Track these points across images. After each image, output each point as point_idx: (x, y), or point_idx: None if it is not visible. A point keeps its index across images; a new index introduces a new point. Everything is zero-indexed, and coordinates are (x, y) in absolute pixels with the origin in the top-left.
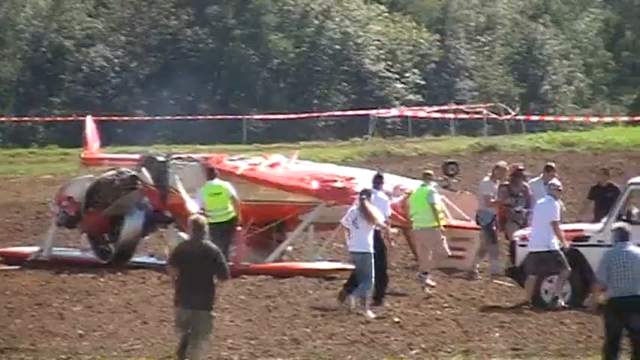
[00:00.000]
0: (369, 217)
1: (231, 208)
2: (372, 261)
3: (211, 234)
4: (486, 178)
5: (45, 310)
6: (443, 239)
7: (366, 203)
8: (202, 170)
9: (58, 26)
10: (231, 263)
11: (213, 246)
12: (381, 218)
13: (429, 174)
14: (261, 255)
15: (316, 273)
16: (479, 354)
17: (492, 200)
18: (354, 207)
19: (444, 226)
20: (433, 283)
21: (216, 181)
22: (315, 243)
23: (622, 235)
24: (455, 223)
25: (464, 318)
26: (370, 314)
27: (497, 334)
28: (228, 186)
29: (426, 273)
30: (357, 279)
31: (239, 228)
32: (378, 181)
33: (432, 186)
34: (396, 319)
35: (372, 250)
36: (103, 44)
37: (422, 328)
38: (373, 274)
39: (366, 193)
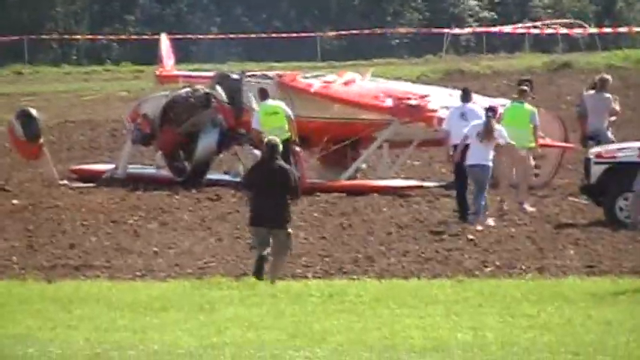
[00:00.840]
0: (491, 134)
1: (287, 127)
2: (490, 174)
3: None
4: (592, 91)
5: (120, 227)
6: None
7: (492, 120)
8: (257, 91)
9: None
10: None
11: (287, 166)
12: (504, 136)
13: (524, 90)
14: (335, 173)
15: (390, 190)
16: (553, 272)
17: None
18: (480, 122)
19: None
20: (531, 209)
21: (271, 101)
22: (389, 160)
23: None
24: None
25: (538, 235)
26: (490, 221)
27: (571, 252)
28: (284, 106)
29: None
30: (473, 192)
31: (297, 148)
32: (467, 95)
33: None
34: (470, 237)
35: (491, 164)
36: None
37: (496, 246)
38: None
39: (491, 110)
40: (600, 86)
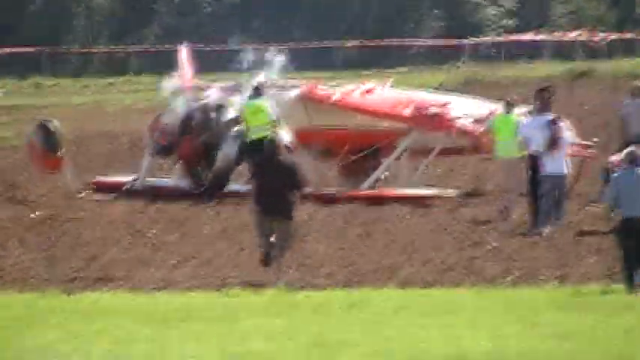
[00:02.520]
0: (560, 142)
1: (269, 125)
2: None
3: (253, 150)
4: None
5: (140, 239)
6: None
7: (559, 128)
8: (251, 89)
9: None
10: None
11: (288, 160)
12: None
13: (512, 104)
14: (355, 182)
15: (411, 199)
16: (574, 280)
17: None
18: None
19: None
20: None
21: (257, 100)
22: (409, 169)
23: (631, 159)
24: None
25: (559, 243)
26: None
27: (593, 260)
28: (270, 106)
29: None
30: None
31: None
32: (509, 106)
33: (518, 114)
34: (492, 245)
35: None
36: None
37: (517, 254)
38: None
39: (557, 120)
40: (639, 93)
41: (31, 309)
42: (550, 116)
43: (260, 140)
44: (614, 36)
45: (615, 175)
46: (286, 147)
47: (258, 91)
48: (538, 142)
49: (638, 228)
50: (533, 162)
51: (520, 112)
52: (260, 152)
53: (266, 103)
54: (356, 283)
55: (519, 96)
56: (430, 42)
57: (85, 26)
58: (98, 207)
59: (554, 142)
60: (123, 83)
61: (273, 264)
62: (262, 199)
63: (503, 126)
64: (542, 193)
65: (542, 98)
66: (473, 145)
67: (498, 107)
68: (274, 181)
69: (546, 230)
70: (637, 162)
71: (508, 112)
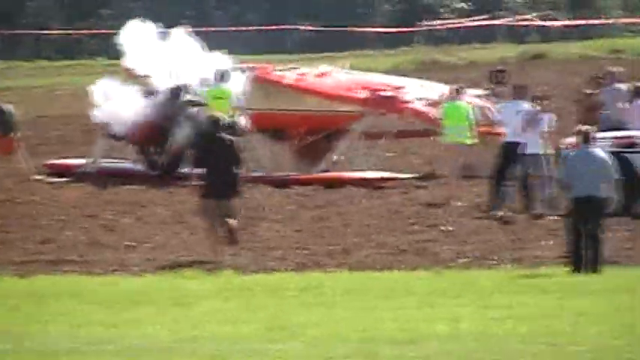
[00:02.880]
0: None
1: (230, 112)
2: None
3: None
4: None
5: (94, 221)
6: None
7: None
8: (217, 74)
9: None
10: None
11: (230, 137)
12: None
13: (460, 90)
14: (310, 165)
15: (366, 182)
16: (529, 263)
17: None
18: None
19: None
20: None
21: (221, 86)
22: (364, 152)
23: (585, 138)
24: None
25: (514, 227)
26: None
27: (548, 242)
28: (232, 93)
29: None
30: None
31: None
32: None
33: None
34: (447, 227)
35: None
36: None
37: (472, 237)
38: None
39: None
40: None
41: None
42: (526, 103)
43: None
44: (567, 22)
45: (567, 154)
46: (242, 130)
47: (223, 77)
48: (514, 126)
49: (589, 207)
50: (507, 149)
51: (472, 95)
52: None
53: (230, 89)
54: (311, 266)
55: (473, 80)
56: (384, 29)
57: (38, 8)
58: (52, 190)
59: (531, 122)
60: (77, 66)
61: (237, 240)
62: (208, 180)
63: (452, 112)
64: (517, 175)
65: (497, 80)
66: (426, 127)
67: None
68: (217, 160)
69: (500, 213)
70: (590, 141)
71: (456, 99)
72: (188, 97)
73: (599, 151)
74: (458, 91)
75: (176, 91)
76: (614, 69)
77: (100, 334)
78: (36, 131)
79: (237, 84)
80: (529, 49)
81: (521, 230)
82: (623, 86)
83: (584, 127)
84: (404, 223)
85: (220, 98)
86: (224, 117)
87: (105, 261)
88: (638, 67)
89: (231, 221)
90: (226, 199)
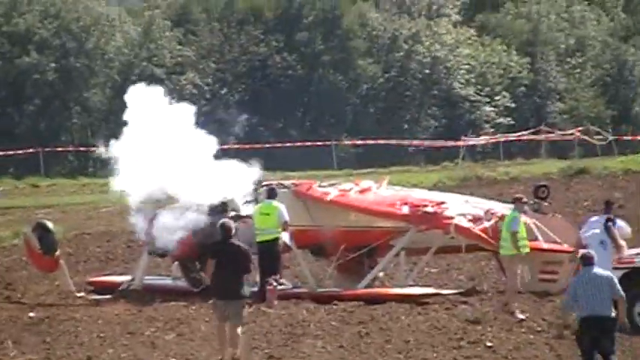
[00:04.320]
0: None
1: (278, 229)
2: None
3: (259, 251)
4: None
5: (137, 338)
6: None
7: (614, 230)
8: (265, 190)
9: (148, 54)
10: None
11: (242, 245)
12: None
13: (518, 198)
14: (352, 281)
15: (408, 298)
16: None
17: None
18: (597, 231)
19: (536, 249)
20: (522, 316)
21: (269, 202)
22: (406, 268)
23: (586, 260)
24: (546, 246)
25: (557, 342)
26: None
27: None
28: (281, 208)
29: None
30: None
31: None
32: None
33: (520, 211)
34: (489, 344)
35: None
36: (193, 72)
37: (514, 353)
38: None
39: (611, 220)
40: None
41: None
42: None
43: (264, 242)
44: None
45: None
46: (285, 246)
47: (272, 193)
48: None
49: (595, 327)
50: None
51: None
52: (269, 255)
53: (280, 207)
54: None
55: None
56: (427, 142)
57: (82, 125)
58: (95, 307)
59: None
60: None
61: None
62: (216, 281)
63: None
64: None
65: (539, 195)
66: (469, 243)
67: (494, 205)
68: (227, 264)
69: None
70: (589, 262)
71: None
72: (233, 213)
73: (602, 271)
74: (516, 201)
75: (221, 208)
76: None
77: None
78: (79, 248)
79: (283, 200)
80: (572, 164)
81: (565, 347)
82: None
83: (584, 250)
84: (447, 339)
85: (267, 214)
86: (234, 224)
87: None
88: None
89: (239, 348)
90: (230, 299)
